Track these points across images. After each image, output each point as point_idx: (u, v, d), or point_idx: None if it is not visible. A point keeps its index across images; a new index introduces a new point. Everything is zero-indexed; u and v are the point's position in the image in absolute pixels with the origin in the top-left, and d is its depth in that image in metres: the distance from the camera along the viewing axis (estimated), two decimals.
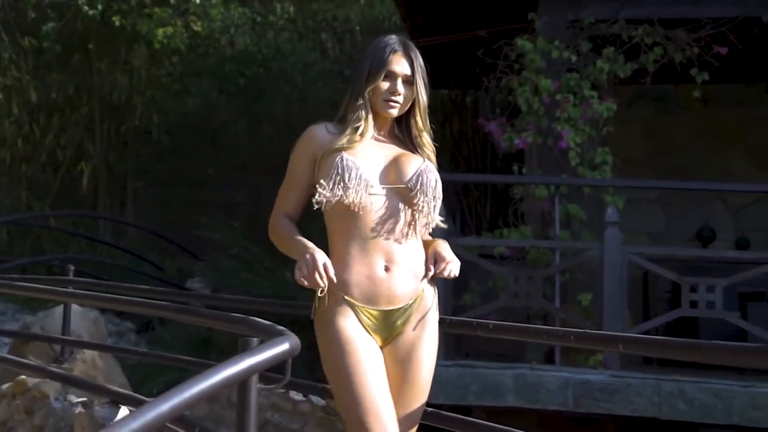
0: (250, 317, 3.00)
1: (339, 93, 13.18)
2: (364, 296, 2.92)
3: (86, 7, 11.95)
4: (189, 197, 15.37)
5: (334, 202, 2.92)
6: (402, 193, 2.99)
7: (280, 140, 14.81)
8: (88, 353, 6.76)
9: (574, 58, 7.91)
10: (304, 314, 8.86)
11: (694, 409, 6.66)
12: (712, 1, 8.14)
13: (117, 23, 12.32)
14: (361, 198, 2.91)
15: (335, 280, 2.88)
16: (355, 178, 2.92)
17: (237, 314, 3.11)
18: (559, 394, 6.84)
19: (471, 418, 3.81)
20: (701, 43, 8.10)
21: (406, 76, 3.07)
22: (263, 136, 14.74)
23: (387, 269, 2.93)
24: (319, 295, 2.91)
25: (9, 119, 14.58)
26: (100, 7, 12.02)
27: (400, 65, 3.06)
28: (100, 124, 14.86)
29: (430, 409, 3.37)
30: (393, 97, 3.06)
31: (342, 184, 2.91)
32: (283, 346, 2.40)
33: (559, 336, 3.27)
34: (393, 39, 3.13)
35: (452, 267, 3.01)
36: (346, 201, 2.90)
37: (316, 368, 8.86)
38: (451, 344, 6.98)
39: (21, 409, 4.84)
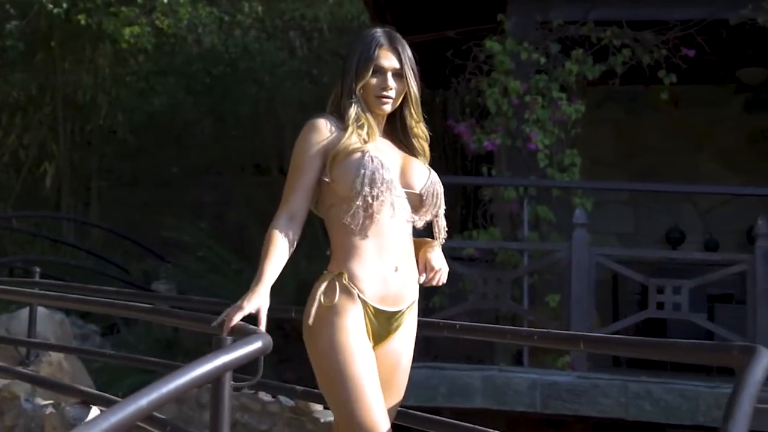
0: (214, 316, 3.09)
1: (307, 93, 13.38)
2: (376, 295, 2.93)
3: (51, 5, 12.00)
4: (154, 197, 15.44)
5: (359, 200, 2.92)
6: (412, 198, 3.03)
7: (247, 140, 14.96)
8: (55, 355, 6.86)
9: (542, 59, 8.10)
10: (272, 317, 8.96)
11: (660, 409, 6.85)
12: (680, 3, 8.35)
13: (82, 22, 12.38)
14: (386, 198, 2.94)
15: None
16: (384, 177, 2.93)
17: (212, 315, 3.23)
18: (526, 396, 7.02)
19: (443, 418, 3.95)
20: (669, 45, 8.32)
21: (395, 69, 3.06)
22: (230, 136, 14.87)
23: (397, 270, 2.97)
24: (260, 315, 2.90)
25: None
26: (65, 5, 12.07)
27: (387, 59, 3.05)
28: (63, 123, 14.88)
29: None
30: (385, 93, 3.04)
31: (372, 183, 2.91)
32: (256, 344, 2.54)
33: (523, 336, 3.43)
34: (378, 32, 3.11)
35: (443, 276, 3.11)
36: (374, 201, 2.91)
37: (284, 371, 9.00)
38: (421, 346, 7.13)
39: None
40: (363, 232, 2.94)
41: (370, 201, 2.91)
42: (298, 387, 4.64)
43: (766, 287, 7.22)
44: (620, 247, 10.17)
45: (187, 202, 15.15)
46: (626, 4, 8.41)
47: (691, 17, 8.30)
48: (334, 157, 2.97)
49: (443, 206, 3.12)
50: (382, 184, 2.91)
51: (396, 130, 3.15)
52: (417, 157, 3.13)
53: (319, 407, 4.81)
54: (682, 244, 10.81)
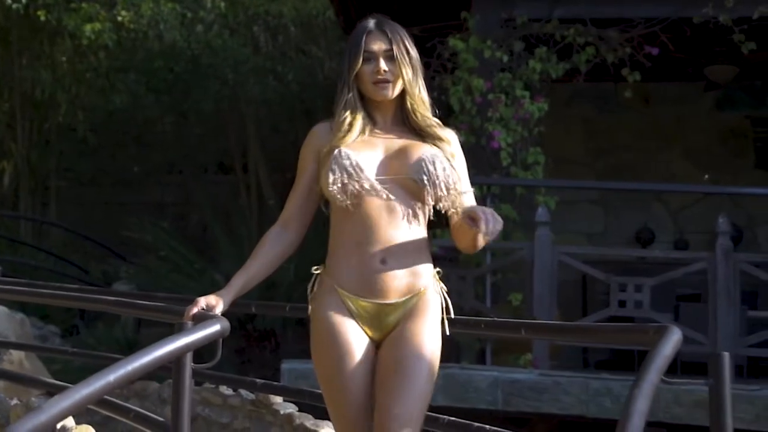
0: (181, 308, 3.39)
1: (272, 90, 13.66)
2: (353, 288, 3.00)
3: (9, 1, 12.24)
4: (114, 197, 15.67)
5: (333, 197, 3.03)
6: (406, 184, 3.04)
7: (210, 139, 15.24)
8: (15, 355, 7.15)
9: (506, 58, 8.46)
10: (236, 317, 9.25)
11: (620, 406, 7.18)
12: (644, 1, 8.73)
13: (42, 18, 12.63)
14: (355, 192, 2.99)
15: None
16: (351, 171, 3.00)
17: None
18: (488, 393, 7.37)
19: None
20: (633, 43, 8.70)
21: (385, 51, 3.11)
22: (192, 135, 15.13)
23: (384, 261, 2.99)
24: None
25: None
26: (24, 0, 12.32)
27: (376, 43, 3.10)
28: (21, 121, 15.09)
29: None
30: (379, 77, 3.08)
31: (340, 178, 3.00)
32: (214, 327, 2.86)
33: (470, 325, 3.77)
34: (368, 21, 3.18)
35: (491, 219, 2.89)
36: (341, 196, 3.00)
37: (246, 372, 9.28)
38: None
39: None
40: (343, 226, 3.05)
41: (342, 196, 3.00)
42: (258, 380, 4.94)
43: (727, 285, 7.61)
44: (582, 246, 10.46)
45: (148, 201, 15.38)
46: (590, 1, 8.75)
47: (654, 15, 8.65)
48: (322, 161, 3.08)
49: (456, 181, 3.05)
50: (349, 177, 2.99)
51: (406, 117, 3.17)
52: (426, 142, 3.13)
53: (278, 399, 5.15)
54: (652, 243, 11.13)
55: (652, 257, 10.07)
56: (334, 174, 3.00)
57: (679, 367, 8.41)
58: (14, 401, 4.81)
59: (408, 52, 3.14)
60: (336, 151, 3.04)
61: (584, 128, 11.52)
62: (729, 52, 9.41)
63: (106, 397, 4.09)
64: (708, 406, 6.99)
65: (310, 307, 3.06)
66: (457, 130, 8.26)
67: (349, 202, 3.00)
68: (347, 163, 3.01)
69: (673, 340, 2.66)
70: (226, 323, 2.94)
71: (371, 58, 3.10)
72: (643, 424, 2.32)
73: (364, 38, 3.12)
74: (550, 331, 3.15)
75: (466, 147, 8.30)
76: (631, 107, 10.90)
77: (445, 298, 3.24)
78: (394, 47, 3.11)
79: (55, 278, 11.55)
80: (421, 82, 3.18)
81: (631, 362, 8.20)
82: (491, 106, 8.31)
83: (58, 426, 4.24)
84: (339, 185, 3.00)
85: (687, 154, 11.42)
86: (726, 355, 2.80)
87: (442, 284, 3.23)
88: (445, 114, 8.80)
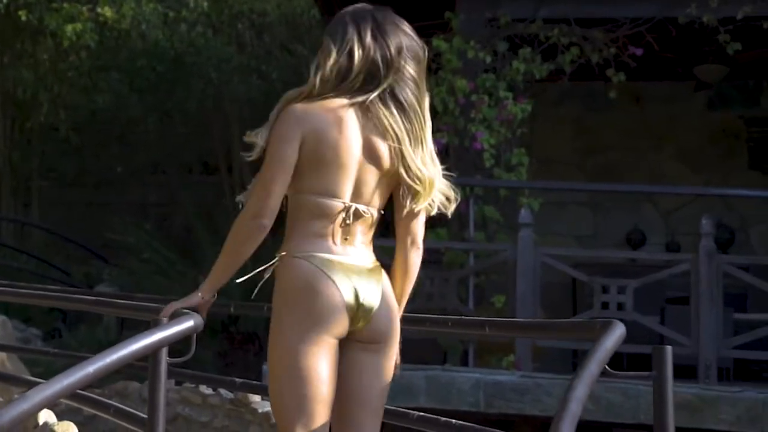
0: (160, 305, 3.67)
1: (256, 89, 13.92)
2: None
3: None
4: (97, 198, 15.90)
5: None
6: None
7: (194, 138, 15.48)
8: None
9: (489, 58, 8.75)
10: (219, 318, 9.52)
11: (602, 408, 7.49)
12: (628, 1, 9.02)
13: (23, 18, 12.92)
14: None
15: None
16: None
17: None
18: (470, 395, 7.64)
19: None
20: (618, 43, 9.00)
21: None
22: (176, 134, 15.37)
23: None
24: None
25: None
26: (5, 0, 12.61)
27: None
28: (3, 120, 15.37)
29: None
30: None
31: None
32: (188, 323, 3.13)
33: (439, 323, 4.06)
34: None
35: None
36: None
37: (229, 374, 9.53)
38: None
39: None
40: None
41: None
42: (237, 379, 5.20)
43: (710, 287, 7.89)
44: (565, 248, 10.68)
45: (131, 202, 15.60)
46: (575, 1, 9.00)
47: (639, 15, 8.91)
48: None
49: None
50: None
51: None
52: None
53: (257, 398, 5.44)
54: (643, 246, 11.31)
55: (642, 259, 10.29)
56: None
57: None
58: None
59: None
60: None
61: (573, 128, 11.73)
62: (717, 51, 9.60)
63: (87, 393, 4.40)
64: (691, 407, 7.28)
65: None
66: (439, 131, 8.60)
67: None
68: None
69: (615, 334, 2.91)
70: (200, 319, 3.19)
71: None
72: (580, 411, 2.60)
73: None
74: (509, 328, 3.45)
75: (449, 148, 8.67)
76: (622, 107, 11.04)
77: None
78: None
79: (37, 280, 11.75)
80: None
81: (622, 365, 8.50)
82: (474, 107, 8.58)
83: (41, 422, 4.54)
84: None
85: (678, 154, 11.60)
86: (668, 348, 3.04)
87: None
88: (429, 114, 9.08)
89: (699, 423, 7.44)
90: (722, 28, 8.74)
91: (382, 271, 3.14)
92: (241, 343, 10.48)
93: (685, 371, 8.11)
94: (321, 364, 3.01)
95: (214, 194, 14.57)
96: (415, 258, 3.25)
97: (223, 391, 5.64)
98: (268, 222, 3.15)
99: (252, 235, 3.17)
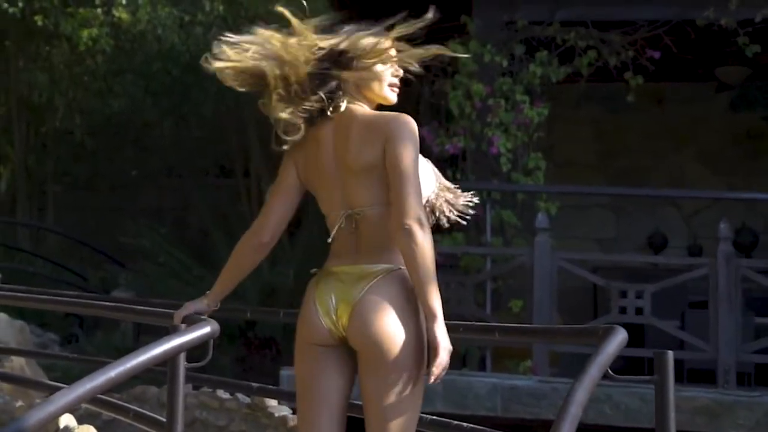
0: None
1: None
2: None
3: (6, 5, 12.79)
4: (112, 202, 16.11)
5: None
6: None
7: (209, 142, 15.67)
8: (16, 361, 7.67)
9: (505, 62, 8.92)
10: (237, 324, 9.70)
11: (620, 412, 7.65)
12: (646, 3, 9.14)
13: (39, 23, 13.17)
14: None
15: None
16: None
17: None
18: (487, 400, 7.80)
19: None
20: (636, 46, 9.15)
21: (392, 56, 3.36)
22: (191, 138, 15.56)
23: None
24: None
25: None
26: (20, 4, 12.86)
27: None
28: (18, 125, 15.63)
29: None
30: (397, 81, 3.35)
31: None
32: (204, 330, 3.34)
33: (451, 328, 4.22)
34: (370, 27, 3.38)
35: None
36: None
37: (247, 380, 9.73)
38: None
39: None
40: None
41: None
42: (253, 384, 5.41)
43: (728, 291, 8.05)
44: (583, 252, 10.81)
45: (146, 206, 15.78)
46: (592, 3, 9.18)
47: (657, 17, 9.07)
48: None
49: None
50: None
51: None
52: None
53: (273, 402, 5.65)
54: (665, 249, 11.44)
55: (664, 264, 10.39)
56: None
57: (685, 374, 8.87)
58: (19, 403, 5.33)
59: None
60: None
61: (594, 130, 11.84)
62: (738, 53, 9.65)
63: (107, 397, 4.61)
64: (709, 412, 7.42)
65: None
66: (455, 135, 8.76)
67: None
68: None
69: (617, 339, 3.07)
70: (216, 325, 3.41)
71: (388, 61, 3.34)
72: (581, 413, 2.77)
73: (381, 35, 3.35)
74: (517, 333, 3.62)
75: (466, 152, 8.81)
76: (643, 108, 11.11)
77: None
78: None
79: (53, 285, 11.92)
80: None
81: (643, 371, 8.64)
82: (491, 111, 8.74)
83: (62, 426, 4.76)
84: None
85: (700, 156, 11.69)
86: (670, 353, 3.22)
87: None
88: (445, 119, 9.27)
89: (717, 428, 7.58)
90: (741, 31, 8.87)
91: (389, 275, 3.14)
92: (259, 348, 10.63)
93: (705, 376, 8.27)
94: (304, 368, 3.23)
95: (229, 198, 14.74)
96: (403, 244, 3.09)
97: (240, 395, 5.85)
98: (267, 240, 3.36)
99: (246, 252, 3.40)
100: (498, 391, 7.80)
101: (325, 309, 3.18)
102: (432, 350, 3.06)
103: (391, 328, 3.09)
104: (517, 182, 8.78)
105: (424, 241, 3.07)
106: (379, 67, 3.31)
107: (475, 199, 3.50)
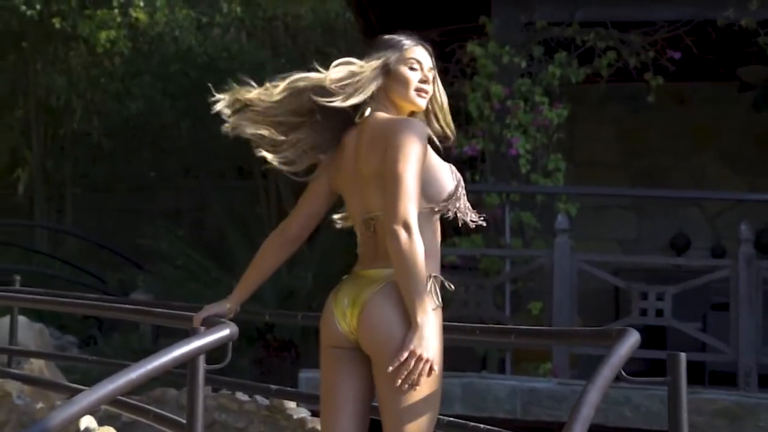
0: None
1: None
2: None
3: (24, 7, 12.97)
4: (130, 204, 16.28)
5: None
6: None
7: (227, 144, 15.79)
8: (35, 363, 7.81)
9: (524, 63, 9.01)
10: (255, 326, 9.77)
11: (640, 415, 7.71)
12: (666, 3, 9.18)
13: (57, 25, 13.34)
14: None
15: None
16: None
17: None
18: (507, 402, 7.87)
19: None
20: (657, 46, 9.21)
21: (429, 68, 3.40)
22: (209, 139, 15.71)
23: None
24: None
25: None
26: (38, 6, 13.04)
27: (424, 57, 3.40)
28: (36, 127, 15.81)
29: None
30: (424, 86, 3.37)
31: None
32: (224, 332, 3.44)
33: (467, 330, 4.31)
34: (410, 37, 3.44)
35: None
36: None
37: (266, 383, 9.85)
38: None
39: None
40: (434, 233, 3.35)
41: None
42: (272, 386, 5.52)
43: (749, 293, 8.09)
44: (602, 253, 10.74)
45: (164, 208, 15.95)
46: (611, 4, 9.23)
47: (677, 18, 9.12)
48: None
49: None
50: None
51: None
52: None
53: (292, 404, 5.76)
54: (688, 250, 11.38)
55: (686, 265, 10.42)
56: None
57: (707, 377, 8.93)
58: (39, 405, 5.45)
59: (439, 82, 3.46)
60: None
61: (616, 130, 11.86)
62: (760, 52, 9.67)
63: (127, 399, 4.72)
64: (730, 414, 7.48)
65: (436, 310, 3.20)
66: (474, 136, 8.84)
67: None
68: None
69: (629, 341, 3.15)
70: (235, 328, 3.51)
71: (417, 68, 3.38)
72: (593, 414, 2.85)
73: (412, 46, 3.40)
74: (533, 336, 3.71)
75: (485, 154, 8.90)
76: (665, 108, 11.10)
77: None
78: (436, 70, 3.44)
79: (72, 287, 11.97)
80: None
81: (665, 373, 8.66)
82: (510, 112, 8.81)
83: (82, 427, 4.87)
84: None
85: (722, 155, 11.68)
86: (683, 355, 3.30)
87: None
88: (464, 120, 9.35)
89: (738, 430, 7.65)
90: (762, 31, 8.92)
91: (388, 280, 3.20)
92: (278, 351, 10.74)
93: (727, 378, 8.33)
94: (326, 371, 3.32)
95: (247, 199, 14.88)
96: (389, 247, 3.15)
97: (258, 397, 5.97)
98: (292, 237, 3.53)
99: (271, 247, 3.53)
100: (517, 393, 7.87)
101: (340, 312, 3.27)
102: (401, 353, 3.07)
103: (395, 332, 3.13)
104: (537, 184, 8.84)
105: (409, 245, 3.10)
106: (406, 73, 3.37)
107: (482, 222, 3.53)
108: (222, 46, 13.71)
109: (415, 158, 3.19)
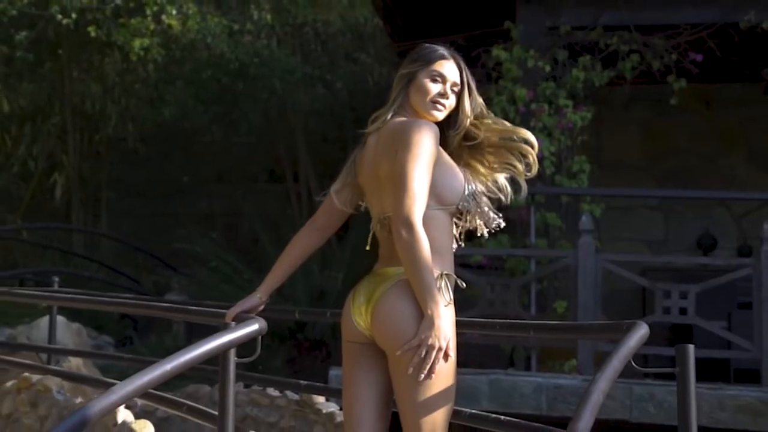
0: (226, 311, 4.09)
1: (320, 99, 14.41)
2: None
3: (60, 16, 13.24)
4: (164, 207, 16.50)
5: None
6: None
7: (258, 148, 16.01)
8: (74, 362, 8.03)
9: (548, 67, 9.13)
10: (287, 325, 9.90)
11: (663, 411, 7.80)
12: (689, 6, 9.27)
13: (92, 34, 13.61)
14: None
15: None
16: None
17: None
18: (532, 399, 7.99)
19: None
20: (680, 49, 9.32)
21: (454, 84, 3.53)
22: (241, 145, 15.94)
23: None
24: None
25: None
26: (74, 15, 13.30)
27: (449, 72, 3.52)
28: (72, 133, 16.06)
29: None
30: (441, 99, 3.48)
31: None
32: (253, 326, 3.61)
33: (488, 326, 4.48)
34: (443, 49, 3.56)
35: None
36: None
37: (299, 379, 9.94)
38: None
39: (26, 402, 6.17)
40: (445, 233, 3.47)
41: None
42: (302, 381, 5.71)
43: None
44: (626, 253, 10.79)
45: (197, 212, 16.16)
46: (635, 8, 9.28)
47: (700, 21, 9.20)
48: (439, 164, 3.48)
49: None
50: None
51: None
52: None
53: (321, 399, 5.94)
54: (714, 250, 11.40)
55: (713, 265, 10.49)
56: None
57: (732, 375, 9.03)
58: (78, 399, 5.66)
59: (472, 92, 3.62)
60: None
61: (642, 131, 11.93)
62: None
63: (162, 393, 4.90)
64: (752, 410, 7.59)
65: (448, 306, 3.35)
66: None
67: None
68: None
69: (639, 334, 3.30)
70: (264, 323, 3.68)
71: (439, 80, 3.49)
72: (602, 400, 3.00)
73: (439, 60, 3.51)
74: (549, 330, 3.86)
75: None
76: (691, 109, 11.22)
77: None
78: (464, 88, 3.58)
79: (108, 289, 12.30)
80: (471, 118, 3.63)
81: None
82: (534, 115, 8.94)
83: (119, 421, 5.06)
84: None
85: (750, 157, 11.73)
86: (690, 347, 3.44)
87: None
88: None
89: (762, 426, 7.72)
90: None
91: (401, 277, 3.32)
92: (309, 350, 10.86)
93: (752, 376, 8.42)
94: (347, 365, 3.49)
95: (279, 202, 15.06)
96: (397, 245, 3.29)
97: (289, 392, 6.16)
98: (320, 226, 3.68)
99: (301, 235, 3.68)
100: (543, 390, 7.98)
101: (357, 309, 3.44)
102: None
103: (406, 327, 3.25)
104: (561, 185, 8.97)
105: (410, 241, 3.22)
106: (428, 84, 3.48)
107: (502, 223, 3.66)
108: (253, 53, 13.89)
109: (423, 159, 3.30)
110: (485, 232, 3.58)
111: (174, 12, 13.28)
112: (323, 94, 14.26)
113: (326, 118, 14.88)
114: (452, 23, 10.31)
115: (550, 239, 8.95)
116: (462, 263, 8.77)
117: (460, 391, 7.99)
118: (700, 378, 8.34)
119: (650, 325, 8.45)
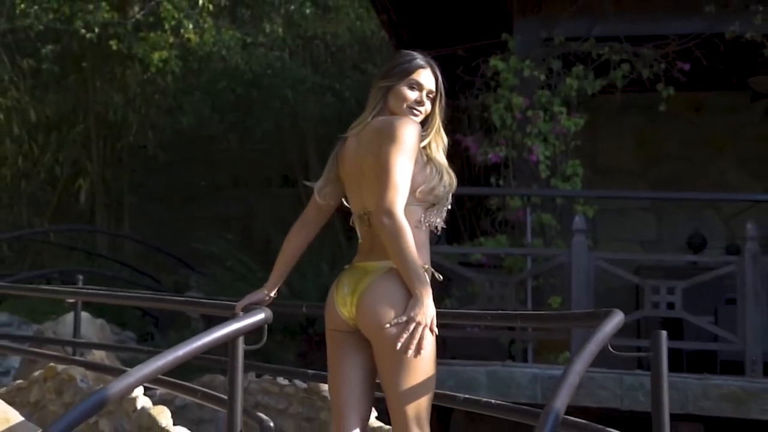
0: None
1: (329, 108, 14.57)
2: None
3: (83, 30, 13.43)
4: (182, 211, 16.71)
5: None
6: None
7: (271, 155, 16.18)
8: (97, 355, 8.18)
9: (543, 76, 9.25)
10: (298, 321, 10.05)
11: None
12: (676, 18, 9.37)
13: (114, 47, 13.82)
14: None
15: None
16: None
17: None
18: (528, 389, 8.09)
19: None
20: (668, 58, 9.44)
21: (429, 92, 3.56)
22: (255, 151, 16.11)
23: None
24: None
25: (10, 138, 16.13)
26: (96, 30, 13.51)
27: (426, 80, 3.55)
28: (96, 141, 16.30)
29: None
30: (417, 107, 3.52)
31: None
32: (260, 316, 3.73)
33: (481, 317, 4.60)
34: (421, 58, 3.58)
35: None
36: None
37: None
38: (439, 346, 8.26)
39: (52, 390, 6.33)
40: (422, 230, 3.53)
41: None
42: (309, 371, 5.84)
43: (755, 288, 8.25)
44: (617, 252, 10.79)
45: (214, 215, 16.34)
46: (625, 20, 9.38)
47: (687, 31, 9.26)
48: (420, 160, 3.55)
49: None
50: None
51: None
52: None
53: (327, 387, 6.06)
54: (704, 250, 11.40)
55: (702, 263, 10.57)
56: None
57: (718, 366, 9.12)
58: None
59: (443, 100, 3.63)
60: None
61: (635, 138, 11.96)
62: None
63: (179, 381, 5.04)
64: (735, 399, 7.68)
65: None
66: (497, 145, 9.10)
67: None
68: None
69: (614, 320, 3.41)
70: (269, 313, 3.79)
71: (416, 88, 3.53)
72: (578, 381, 3.11)
73: (417, 69, 3.54)
74: (534, 319, 3.99)
75: (508, 161, 9.17)
76: (682, 117, 11.27)
77: None
78: (438, 95, 3.59)
79: (131, 287, 12.38)
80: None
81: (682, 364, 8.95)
82: (530, 122, 9.04)
83: (138, 407, 5.20)
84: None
85: (740, 163, 11.75)
86: (663, 333, 3.56)
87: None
88: (488, 130, 9.61)
89: (744, 414, 7.82)
90: None
91: (391, 270, 3.40)
92: (319, 344, 10.95)
93: (737, 367, 8.52)
94: (331, 352, 3.58)
95: (291, 205, 15.21)
96: (379, 232, 3.39)
97: (297, 381, 6.30)
98: (310, 219, 3.86)
99: (293, 231, 3.89)
100: (538, 380, 8.08)
101: (341, 300, 3.51)
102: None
103: (390, 317, 3.33)
104: (556, 187, 9.08)
105: (393, 230, 3.30)
106: (405, 92, 3.53)
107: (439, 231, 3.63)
108: (266, 64, 14.05)
109: (406, 153, 3.38)
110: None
111: (191, 26, 13.45)
112: (332, 103, 14.41)
113: (335, 126, 15.00)
114: (454, 36, 10.43)
115: (546, 239, 9.05)
116: (462, 261, 8.92)
117: (461, 381, 8.16)
118: (689, 369, 8.48)
119: (642, 320, 8.66)
